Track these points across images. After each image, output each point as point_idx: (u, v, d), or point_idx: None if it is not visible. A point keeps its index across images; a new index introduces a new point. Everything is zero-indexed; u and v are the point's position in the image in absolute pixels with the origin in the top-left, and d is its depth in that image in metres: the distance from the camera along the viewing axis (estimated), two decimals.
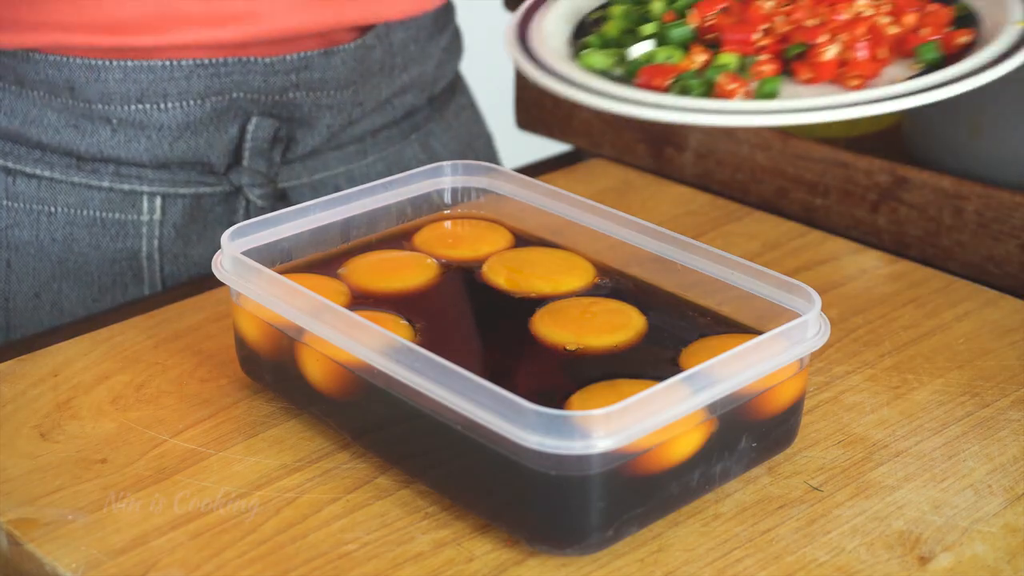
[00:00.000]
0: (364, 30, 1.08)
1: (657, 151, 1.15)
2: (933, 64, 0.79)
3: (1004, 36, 0.79)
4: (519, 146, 1.36)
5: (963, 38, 0.80)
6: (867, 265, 0.99)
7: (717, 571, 0.71)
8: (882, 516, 0.75)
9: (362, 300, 0.83)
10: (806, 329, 0.75)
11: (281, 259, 0.85)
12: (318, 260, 0.87)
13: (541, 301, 0.83)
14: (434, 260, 0.87)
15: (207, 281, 0.92)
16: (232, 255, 0.81)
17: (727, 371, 0.71)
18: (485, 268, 0.87)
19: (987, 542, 0.73)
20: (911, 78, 0.78)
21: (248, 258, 0.80)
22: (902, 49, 0.80)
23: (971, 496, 0.76)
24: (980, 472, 0.78)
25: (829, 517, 0.75)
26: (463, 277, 0.87)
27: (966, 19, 0.83)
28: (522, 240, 0.90)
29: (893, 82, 0.78)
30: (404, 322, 0.80)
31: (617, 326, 0.80)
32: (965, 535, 0.73)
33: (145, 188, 1.04)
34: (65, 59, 1.00)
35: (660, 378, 0.70)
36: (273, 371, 0.82)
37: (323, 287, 0.81)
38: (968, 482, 0.77)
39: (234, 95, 1.03)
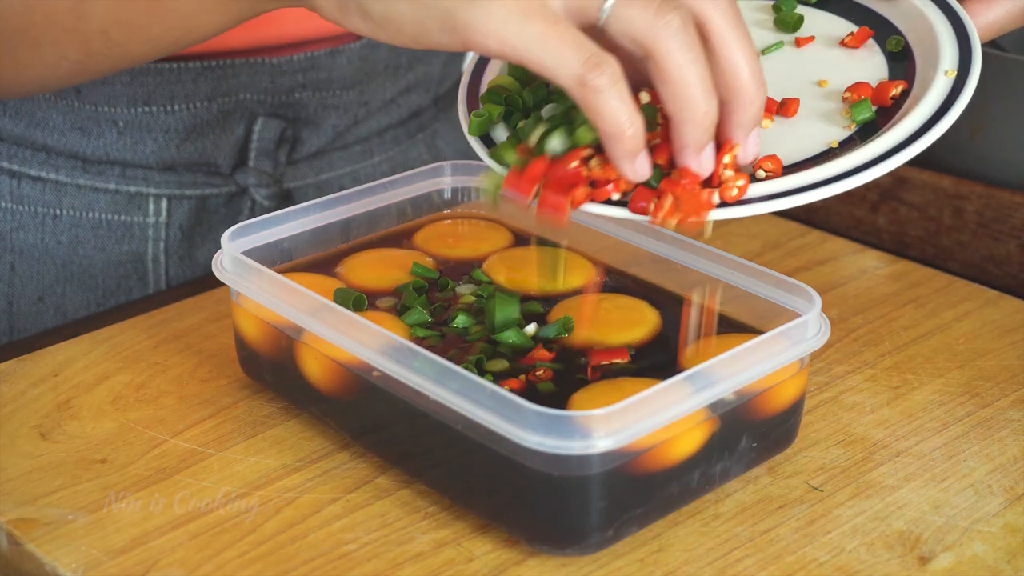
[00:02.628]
0: None
1: None
2: (866, 124, 0.77)
3: (934, 91, 0.77)
4: None
5: (895, 89, 0.78)
6: (867, 265, 0.99)
7: (717, 571, 0.71)
8: (882, 516, 0.75)
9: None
10: (806, 329, 0.75)
11: (282, 259, 0.85)
12: (318, 260, 0.87)
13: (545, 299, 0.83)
14: (431, 257, 0.87)
15: (207, 281, 0.92)
16: (232, 255, 0.81)
17: (727, 371, 0.71)
18: (485, 266, 0.87)
19: (987, 542, 0.73)
20: (843, 143, 0.77)
21: (248, 258, 0.80)
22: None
23: (971, 496, 0.76)
24: (980, 472, 0.78)
25: (829, 517, 0.75)
26: (462, 274, 0.86)
27: (900, 56, 0.81)
28: (522, 240, 0.90)
29: (827, 145, 0.77)
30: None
31: (634, 322, 0.80)
32: (965, 535, 0.73)
33: (151, 190, 1.04)
34: None
35: (660, 377, 0.70)
36: (273, 371, 0.82)
37: (321, 286, 0.81)
38: (968, 482, 0.77)
39: (240, 96, 1.03)
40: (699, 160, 0.71)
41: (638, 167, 0.70)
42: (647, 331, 0.80)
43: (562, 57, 0.67)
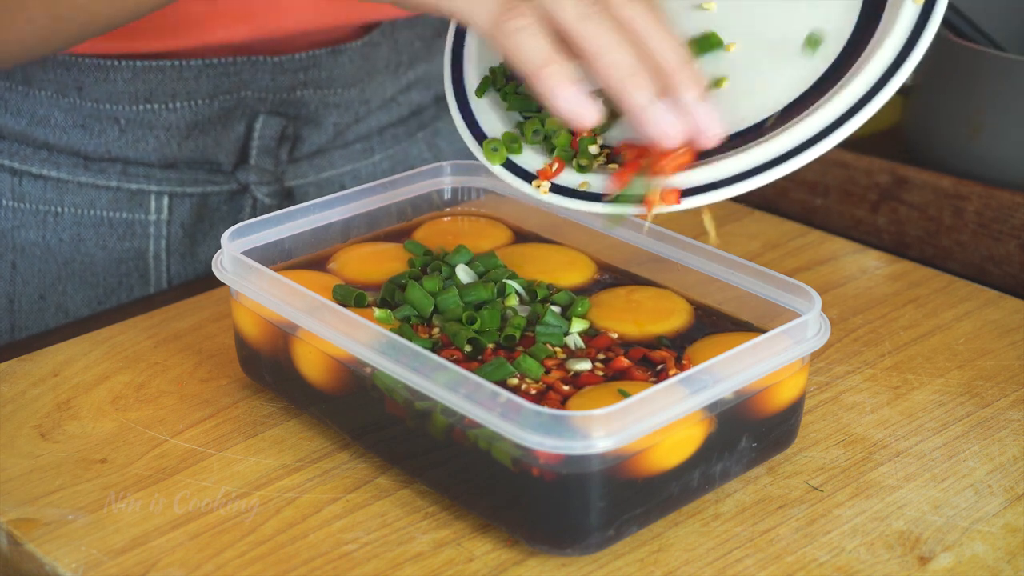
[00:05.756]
0: (370, 28, 1.08)
1: None
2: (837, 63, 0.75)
3: (900, 24, 0.74)
4: None
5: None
6: (867, 265, 0.99)
7: (717, 571, 0.71)
8: (882, 516, 0.75)
9: None
10: (806, 329, 0.75)
11: (282, 258, 0.85)
12: (318, 259, 0.87)
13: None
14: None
15: (207, 280, 0.92)
16: (232, 255, 0.81)
17: (727, 371, 0.71)
18: None
19: (987, 542, 0.73)
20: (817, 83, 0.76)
21: (248, 258, 0.80)
22: None
23: (971, 496, 0.76)
24: (980, 472, 0.78)
25: (829, 517, 0.75)
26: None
27: None
28: (522, 237, 0.90)
29: (800, 100, 0.76)
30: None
31: (669, 311, 0.81)
32: (965, 535, 0.73)
33: (153, 187, 1.04)
34: (74, 59, 1.00)
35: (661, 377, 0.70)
36: (273, 370, 0.82)
37: (319, 283, 0.81)
38: (968, 482, 0.77)
39: (242, 94, 1.03)
40: (657, 125, 0.71)
41: (569, 101, 0.70)
42: (685, 318, 0.80)
43: (481, 5, 0.71)
